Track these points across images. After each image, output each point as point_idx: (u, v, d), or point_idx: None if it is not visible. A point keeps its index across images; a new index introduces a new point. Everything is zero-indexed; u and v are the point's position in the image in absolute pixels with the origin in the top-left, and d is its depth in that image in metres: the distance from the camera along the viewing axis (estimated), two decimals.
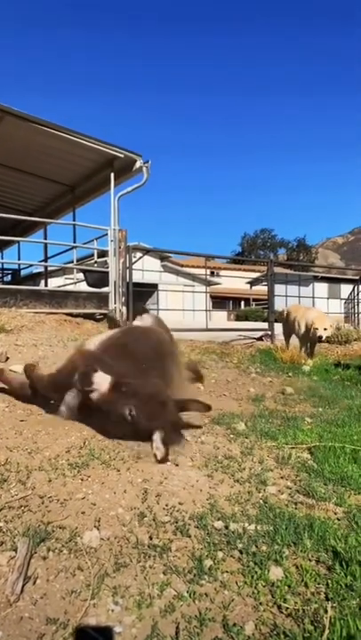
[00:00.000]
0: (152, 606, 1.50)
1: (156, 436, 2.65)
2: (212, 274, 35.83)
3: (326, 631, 1.36)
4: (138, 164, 8.73)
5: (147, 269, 20.97)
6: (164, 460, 2.60)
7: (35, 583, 1.59)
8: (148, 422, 2.69)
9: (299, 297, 12.43)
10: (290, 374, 5.86)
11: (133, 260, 8.67)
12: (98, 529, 1.93)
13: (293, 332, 7.95)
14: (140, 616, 1.46)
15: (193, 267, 30.35)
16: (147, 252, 11.44)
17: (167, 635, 1.38)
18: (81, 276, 10.45)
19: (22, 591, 1.54)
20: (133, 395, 2.75)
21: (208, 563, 1.72)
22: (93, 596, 1.54)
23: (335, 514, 2.14)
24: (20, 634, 1.37)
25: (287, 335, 8.47)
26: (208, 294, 16.39)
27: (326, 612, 1.44)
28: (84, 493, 2.21)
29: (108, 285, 8.39)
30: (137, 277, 9.78)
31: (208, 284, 25.68)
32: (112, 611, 1.48)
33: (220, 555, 1.78)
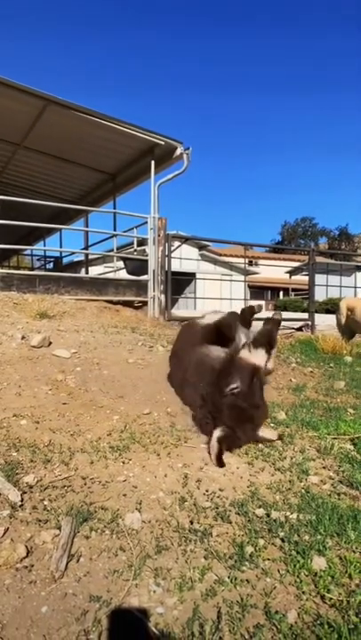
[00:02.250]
0: (193, 589, 1.51)
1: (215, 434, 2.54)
2: (251, 263, 35.38)
3: None
4: (178, 151, 8.66)
5: (185, 258, 20.95)
6: (218, 462, 2.42)
7: (78, 561, 1.63)
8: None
9: (340, 287, 12.06)
10: (331, 365, 5.73)
11: (172, 248, 8.65)
12: (139, 511, 1.95)
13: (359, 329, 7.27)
14: (181, 598, 1.46)
15: (231, 256, 30.01)
16: (185, 240, 11.37)
17: (209, 618, 1.38)
18: (121, 264, 10.54)
19: (66, 568, 1.58)
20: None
21: (249, 549, 1.71)
22: (135, 576, 1.56)
23: None
24: (64, 609, 1.40)
25: (350, 332, 7.65)
26: (246, 283, 16.20)
27: None
28: (125, 476, 2.24)
29: (146, 273, 8.42)
30: (175, 266, 9.78)
31: (246, 273, 25.40)
32: (154, 592, 1.49)
33: (262, 542, 1.76)
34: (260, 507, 2.02)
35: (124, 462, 2.39)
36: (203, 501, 2.05)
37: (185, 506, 2.02)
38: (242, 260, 27.51)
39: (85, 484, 2.15)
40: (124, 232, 10.18)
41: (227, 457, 2.52)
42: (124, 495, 2.08)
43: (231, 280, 24.91)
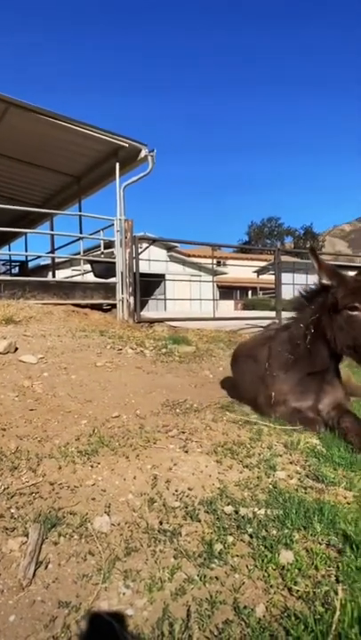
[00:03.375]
0: (163, 589, 1.51)
1: None
2: (219, 263, 35.67)
3: (337, 613, 1.35)
4: (143, 154, 8.66)
5: (153, 259, 20.93)
6: None
7: (46, 568, 1.61)
8: None
9: (306, 285, 12.29)
10: None
11: (140, 250, 8.64)
12: (108, 514, 1.94)
13: None
14: (151, 599, 1.47)
15: (200, 256, 30.16)
16: (153, 241, 11.37)
17: (178, 617, 1.39)
18: (88, 267, 10.45)
19: (34, 575, 1.56)
20: None
21: (218, 547, 1.73)
22: (105, 579, 1.55)
23: (345, 498, 2.13)
24: (32, 617, 1.39)
25: None
26: (215, 284, 16.32)
27: (337, 593, 1.44)
28: (93, 480, 2.23)
29: (114, 276, 8.38)
30: (144, 268, 9.76)
31: (215, 273, 25.58)
32: (123, 594, 1.49)
33: (231, 539, 1.78)
34: (228, 504, 2.04)
35: (92, 466, 2.37)
36: (172, 501, 2.06)
37: (154, 507, 2.02)
38: (210, 261, 27.66)
39: (53, 490, 2.13)
40: (91, 235, 10.10)
41: (195, 456, 2.54)
42: (93, 499, 2.07)
43: (200, 281, 25.04)
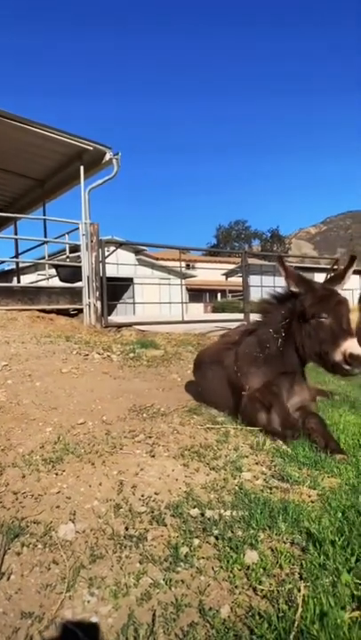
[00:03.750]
0: (128, 595, 1.50)
1: None
2: (188, 266, 35.82)
3: (300, 609, 1.38)
4: (107, 157, 8.61)
5: (121, 263, 20.86)
6: None
7: (9, 579, 1.58)
8: None
9: (274, 287, 12.47)
10: None
11: (107, 253, 8.58)
12: (73, 522, 1.92)
13: None
14: (116, 605, 1.46)
15: (168, 260, 30.24)
16: (120, 245, 11.34)
17: (144, 622, 1.39)
18: (54, 271, 10.32)
19: None
20: None
21: (184, 550, 1.73)
22: (69, 588, 1.53)
23: (309, 497, 2.17)
24: None
25: None
26: (184, 287, 16.39)
27: (300, 591, 1.47)
28: (58, 488, 2.19)
29: (81, 280, 8.29)
30: (111, 272, 9.71)
31: (183, 276, 25.67)
32: (88, 602, 1.47)
33: (197, 542, 1.78)
34: (194, 507, 2.05)
35: (57, 474, 2.34)
36: (138, 506, 2.05)
37: (120, 512, 2.01)
38: (179, 264, 27.78)
39: (17, 499, 2.09)
40: (55, 239, 9.98)
41: (162, 460, 2.54)
42: (58, 507, 2.04)
43: (169, 284, 25.09)
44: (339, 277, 3.05)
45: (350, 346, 2.68)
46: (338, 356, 2.72)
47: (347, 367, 2.69)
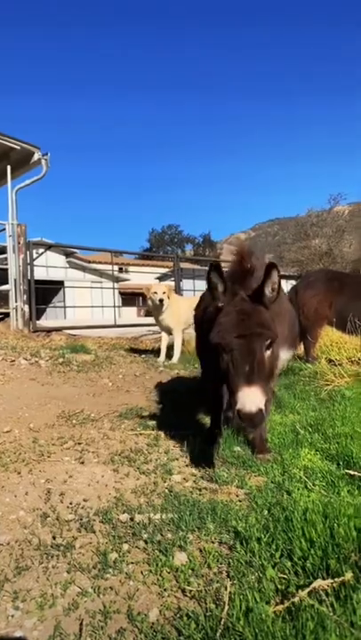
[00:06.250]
0: (55, 606, 1.46)
1: None
2: (121, 270, 35.56)
3: (226, 607, 1.41)
4: (36, 157, 8.38)
5: (51, 266, 20.32)
6: None
7: None
8: None
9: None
10: (196, 366, 5.99)
11: (35, 256, 8.33)
12: None
13: None
14: (41, 617, 1.42)
15: (100, 262, 29.84)
16: (49, 247, 11.06)
17: (70, 633, 1.36)
18: None
19: None
20: None
21: (113, 556, 1.71)
22: None
23: (237, 496, 2.23)
24: None
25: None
26: (117, 290, 16.25)
27: (226, 589, 1.50)
28: None
29: (7, 283, 8.00)
30: (41, 274, 9.43)
31: (116, 280, 25.47)
32: (12, 616, 1.42)
33: (126, 547, 1.78)
34: (124, 512, 2.04)
35: None
36: (66, 514, 2.01)
37: (47, 521, 1.95)
38: (111, 267, 27.53)
39: None
40: None
41: (91, 466, 2.50)
42: None
43: (102, 287, 24.76)
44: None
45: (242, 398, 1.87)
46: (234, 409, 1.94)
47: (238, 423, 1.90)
